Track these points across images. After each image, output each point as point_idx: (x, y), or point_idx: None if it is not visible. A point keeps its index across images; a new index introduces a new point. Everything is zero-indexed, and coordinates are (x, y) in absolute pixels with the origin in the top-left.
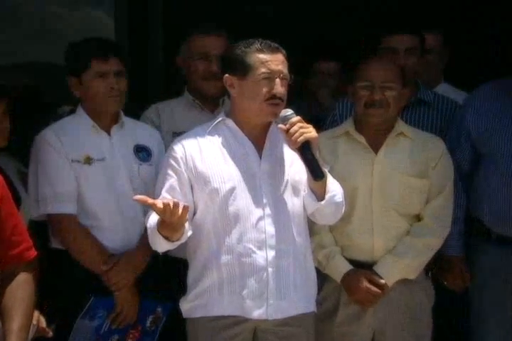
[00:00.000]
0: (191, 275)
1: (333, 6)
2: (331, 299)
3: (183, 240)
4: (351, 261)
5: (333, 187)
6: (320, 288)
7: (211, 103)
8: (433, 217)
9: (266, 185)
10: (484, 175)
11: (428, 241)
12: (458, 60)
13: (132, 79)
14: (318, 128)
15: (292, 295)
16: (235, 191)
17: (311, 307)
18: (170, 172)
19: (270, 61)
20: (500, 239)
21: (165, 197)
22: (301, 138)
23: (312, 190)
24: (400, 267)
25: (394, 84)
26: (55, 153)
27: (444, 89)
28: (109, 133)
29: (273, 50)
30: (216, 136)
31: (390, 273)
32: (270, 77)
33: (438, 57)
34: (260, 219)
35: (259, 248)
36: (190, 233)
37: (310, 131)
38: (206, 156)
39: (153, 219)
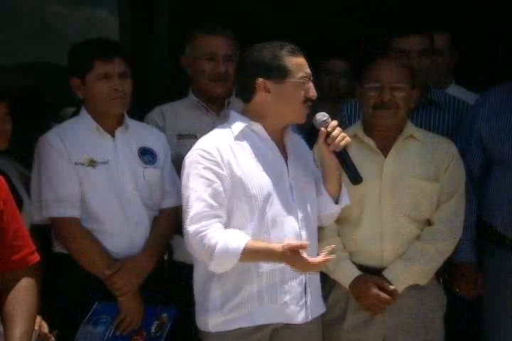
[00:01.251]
0: (222, 287)
1: (333, 6)
2: (339, 305)
3: None
4: (360, 267)
5: (343, 190)
6: (328, 294)
7: (216, 104)
8: (444, 221)
9: (296, 190)
10: (496, 178)
11: (439, 246)
12: (457, 61)
13: (134, 79)
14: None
15: (318, 294)
16: (271, 197)
17: (324, 307)
18: (210, 176)
19: (304, 65)
20: None
21: (212, 205)
22: (344, 142)
23: (330, 193)
24: (411, 273)
25: (403, 84)
26: (58, 155)
27: (453, 90)
28: (113, 136)
29: (302, 54)
30: (245, 141)
31: (400, 278)
32: (306, 80)
33: (447, 58)
34: (294, 223)
35: None
36: None
37: (345, 136)
38: (241, 162)
39: (237, 240)
